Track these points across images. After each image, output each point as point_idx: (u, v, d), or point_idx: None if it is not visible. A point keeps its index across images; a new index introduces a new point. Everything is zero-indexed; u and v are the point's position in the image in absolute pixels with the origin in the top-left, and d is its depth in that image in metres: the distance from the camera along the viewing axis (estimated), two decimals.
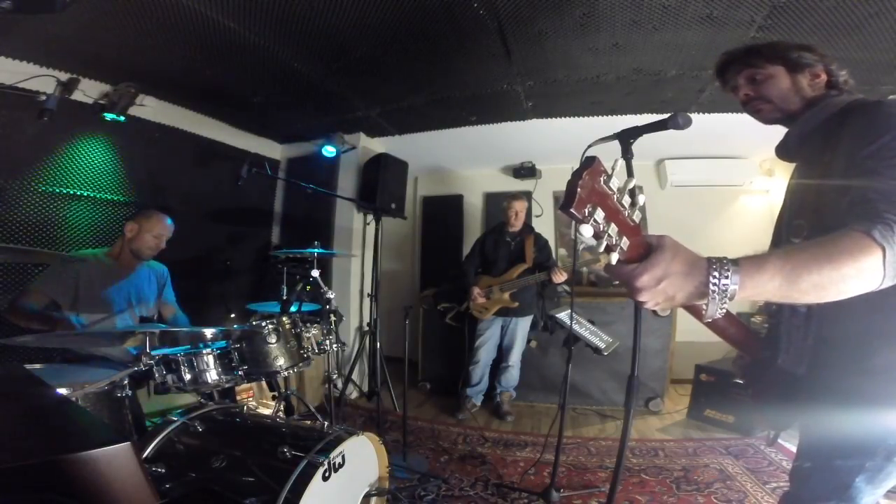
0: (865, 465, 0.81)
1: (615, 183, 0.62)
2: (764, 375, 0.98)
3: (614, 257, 0.64)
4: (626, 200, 0.64)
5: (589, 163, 0.60)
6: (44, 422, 0.62)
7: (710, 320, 0.67)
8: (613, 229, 0.62)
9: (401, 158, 3.96)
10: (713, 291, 0.62)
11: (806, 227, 0.91)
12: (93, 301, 2.02)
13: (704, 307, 0.64)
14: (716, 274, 0.62)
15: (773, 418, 1.07)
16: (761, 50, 1.03)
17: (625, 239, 0.64)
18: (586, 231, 0.59)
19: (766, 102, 1.01)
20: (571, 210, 0.57)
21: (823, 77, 0.98)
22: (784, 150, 1.03)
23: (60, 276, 1.99)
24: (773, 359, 0.93)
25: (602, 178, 0.61)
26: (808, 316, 0.88)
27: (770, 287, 0.63)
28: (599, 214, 0.59)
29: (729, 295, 0.62)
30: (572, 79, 2.72)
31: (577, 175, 0.59)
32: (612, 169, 0.63)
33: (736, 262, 0.63)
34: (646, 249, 0.66)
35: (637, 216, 0.66)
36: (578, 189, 0.57)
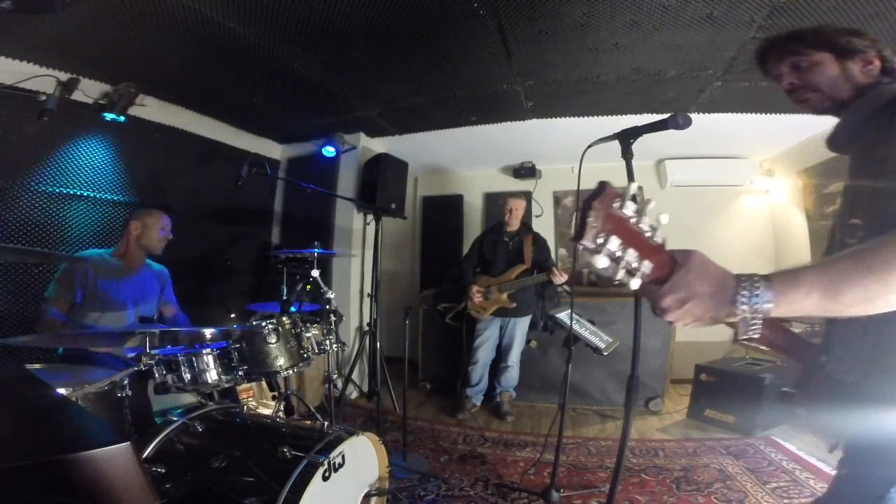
0: None
1: (630, 207, 0.60)
2: (816, 382, 0.92)
3: (635, 282, 0.60)
4: (645, 222, 0.61)
5: (600, 190, 0.58)
6: (44, 422, 0.62)
7: (745, 339, 0.63)
8: (632, 254, 0.59)
9: (401, 158, 3.96)
10: (742, 310, 0.59)
11: (861, 226, 0.83)
12: (100, 299, 2.04)
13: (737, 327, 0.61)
14: (745, 293, 0.59)
15: (826, 427, 1.02)
16: (805, 35, 0.94)
17: (646, 262, 0.61)
18: (600, 262, 0.57)
19: (812, 91, 0.93)
20: (583, 242, 0.56)
21: (877, 63, 0.89)
22: (834, 143, 0.96)
23: (72, 277, 2.01)
24: (825, 365, 0.87)
25: (616, 204, 0.59)
26: (867, 321, 0.80)
27: (807, 303, 0.59)
28: (614, 242, 0.58)
29: (762, 313, 0.59)
30: (572, 79, 2.72)
31: (586, 205, 0.57)
32: (627, 194, 0.60)
33: (768, 279, 0.59)
34: (672, 267, 0.62)
35: (660, 237, 0.62)
36: (589, 219, 0.56)
